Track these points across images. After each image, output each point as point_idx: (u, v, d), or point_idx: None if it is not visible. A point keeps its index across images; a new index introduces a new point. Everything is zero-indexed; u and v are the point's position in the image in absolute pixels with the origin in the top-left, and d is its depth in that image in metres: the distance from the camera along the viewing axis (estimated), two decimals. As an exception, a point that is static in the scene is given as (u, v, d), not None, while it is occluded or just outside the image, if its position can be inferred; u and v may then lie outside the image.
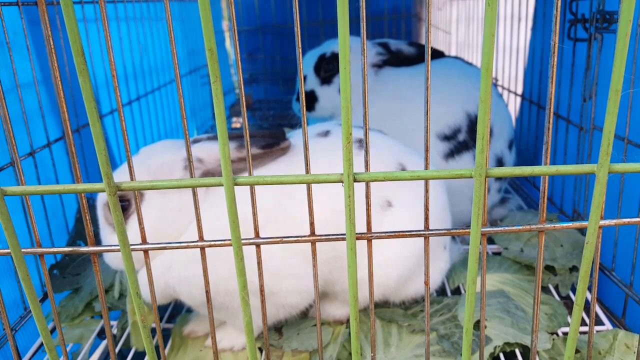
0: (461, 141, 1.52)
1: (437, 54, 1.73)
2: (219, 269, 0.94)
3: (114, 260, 1.02)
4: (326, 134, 1.10)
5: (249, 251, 0.83)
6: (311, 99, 1.83)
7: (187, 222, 0.97)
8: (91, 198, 1.51)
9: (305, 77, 1.87)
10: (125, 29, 1.81)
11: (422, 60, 1.66)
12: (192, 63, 2.62)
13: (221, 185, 0.56)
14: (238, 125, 2.83)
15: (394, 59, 1.71)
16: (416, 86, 1.60)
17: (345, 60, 0.50)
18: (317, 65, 1.82)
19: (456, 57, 1.78)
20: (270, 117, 2.81)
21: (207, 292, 0.71)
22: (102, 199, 1.01)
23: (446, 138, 1.52)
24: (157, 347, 1.00)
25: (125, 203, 0.96)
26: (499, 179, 1.62)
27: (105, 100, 1.75)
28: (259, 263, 0.69)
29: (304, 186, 0.72)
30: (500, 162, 1.57)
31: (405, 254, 1.05)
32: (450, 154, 1.52)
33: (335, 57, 1.76)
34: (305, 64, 1.84)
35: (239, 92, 0.64)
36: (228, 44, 3.09)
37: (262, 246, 0.70)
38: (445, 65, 1.66)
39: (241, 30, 2.84)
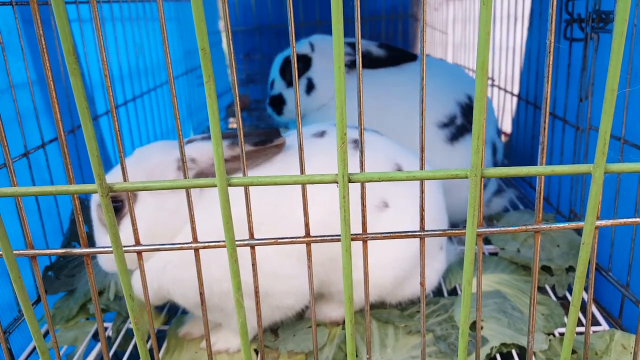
0: (459, 125, 1.57)
1: (410, 57, 1.71)
2: (214, 270, 0.93)
3: (107, 263, 1.01)
4: (322, 134, 1.10)
5: (244, 252, 0.83)
6: (279, 102, 1.86)
7: (182, 223, 0.97)
8: (86, 199, 1.51)
9: (273, 82, 1.90)
10: (120, 29, 1.80)
11: (391, 63, 1.67)
12: (189, 63, 2.61)
13: (215, 186, 0.55)
14: (235, 126, 2.82)
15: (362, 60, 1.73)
16: (392, 84, 1.63)
17: (339, 59, 0.50)
18: (282, 68, 1.86)
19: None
20: (267, 118, 2.80)
21: (202, 294, 0.70)
22: (96, 199, 1.00)
23: (445, 125, 1.57)
24: (151, 350, 1.00)
25: (119, 204, 0.96)
26: (494, 166, 1.65)
27: (101, 100, 1.74)
28: (254, 265, 0.69)
29: (300, 186, 0.71)
30: (494, 147, 1.66)
31: (401, 254, 1.05)
32: (454, 137, 1.57)
33: (299, 58, 1.76)
34: (273, 68, 1.89)
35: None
36: (224, 44, 3.08)
37: (257, 247, 0.69)
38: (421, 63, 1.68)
39: (238, 31, 2.83)
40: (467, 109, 1.60)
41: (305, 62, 1.76)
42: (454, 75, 1.68)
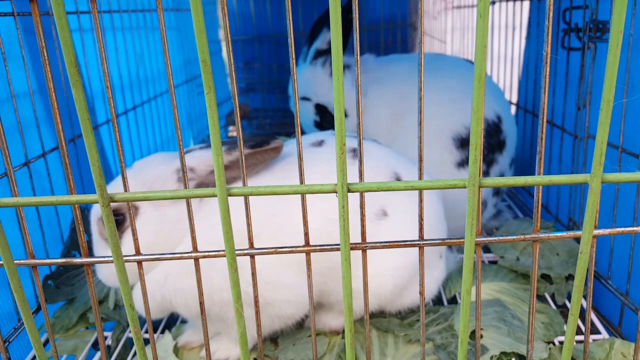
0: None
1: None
2: (214, 279, 0.93)
3: (107, 277, 1.01)
4: (320, 143, 1.11)
5: (244, 262, 0.83)
6: (332, 125, 1.77)
7: (182, 235, 0.97)
8: (86, 208, 1.51)
9: (324, 107, 1.78)
10: (121, 39, 1.81)
11: None
12: (189, 72, 2.62)
13: (215, 196, 0.55)
14: (235, 134, 2.83)
15: None
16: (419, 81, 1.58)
17: (338, 72, 0.50)
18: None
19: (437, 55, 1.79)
20: (267, 126, 2.82)
21: (202, 303, 0.70)
22: (96, 213, 1.00)
23: (462, 144, 1.49)
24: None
25: (120, 217, 0.96)
26: (496, 194, 1.62)
27: (102, 110, 1.75)
28: (254, 274, 0.69)
29: (299, 196, 0.72)
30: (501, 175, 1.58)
31: (401, 263, 1.05)
32: (464, 164, 1.50)
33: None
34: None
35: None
36: (224, 53, 3.10)
37: (257, 257, 0.70)
38: (452, 62, 1.66)
39: (238, 40, 2.85)
40: (492, 128, 1.50)
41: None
42: (487, 86, 1.56)
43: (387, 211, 1.05)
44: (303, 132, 1.67)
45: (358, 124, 0.61)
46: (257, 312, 0.70)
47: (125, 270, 0.57)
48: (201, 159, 0.97)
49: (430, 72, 1.56)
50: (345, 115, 1.66)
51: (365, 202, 0.66)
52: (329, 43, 1.61)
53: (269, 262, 0.96)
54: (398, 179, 1.07)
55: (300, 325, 1.13)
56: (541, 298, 1.26)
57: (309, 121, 1.80)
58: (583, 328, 1.13)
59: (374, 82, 1.64)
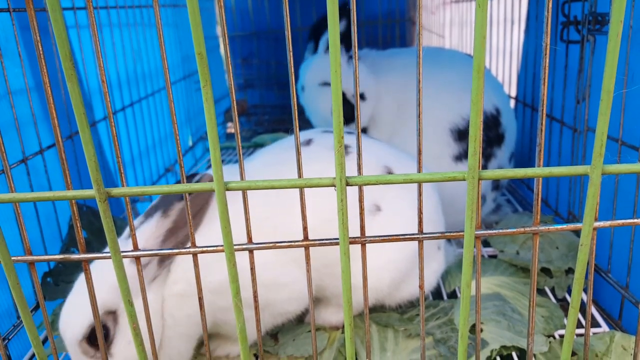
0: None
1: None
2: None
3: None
4: (308, 142, 1.10)
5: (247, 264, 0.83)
6: (351, 114, 1.73)
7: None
8: (84, 205, 1.50)
9: (343, 93, 1.77)
10: (118, 35, 1.80)
11: None
12: (187, 68, 2.62)
13: (212, 190, 0.55)
14: (233, 131, 2.83)
15: None
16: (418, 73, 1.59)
17: (336, 64, 0.50)
18: None
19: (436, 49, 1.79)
20: (266, 122, 2.82)
21: (200, 299, 0.70)
22: (75, 335, 0.88)
23: (460, 136, 1.48)
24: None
25: (104, 332, 0.88)
26: (495, 188, 1.62)
27: (100, 106, 1.75)
28: (252, 269, 0.69)
29: (293, 197, 0.71)
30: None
31: (398, 257, 1.05)
32: (461, 157, 1.49)
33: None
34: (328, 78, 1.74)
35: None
36: (222, 49, 3.09)
37: (256, 260, 0.69)
38: (451, 55, 1.65)
39: (235, 36, 2.84)
40: (490, 121, 1.49)
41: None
42: (486, 79, 1.55)
43: (380, 206, 1.04)
44: (304, 128, 1.66)
45: (356, 117, 0.61)
46: (257, 308, 0.70)
47: (123, 265, 0.57)
48: (147, 235, 0.91)
49: (429, 64, 1.56)
50: (363, 99, 1.67)
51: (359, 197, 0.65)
52: (342, 33, 1.60)
53: (267, 263, 0.96)
54: (390, 173, 1.07)
55: (300, 321, 1.13)
56: (541, 292, 1.26)
57: (328, 110, 1.73)
58: (583, 321, 1.13)
59: (376, 74, 1.64)
